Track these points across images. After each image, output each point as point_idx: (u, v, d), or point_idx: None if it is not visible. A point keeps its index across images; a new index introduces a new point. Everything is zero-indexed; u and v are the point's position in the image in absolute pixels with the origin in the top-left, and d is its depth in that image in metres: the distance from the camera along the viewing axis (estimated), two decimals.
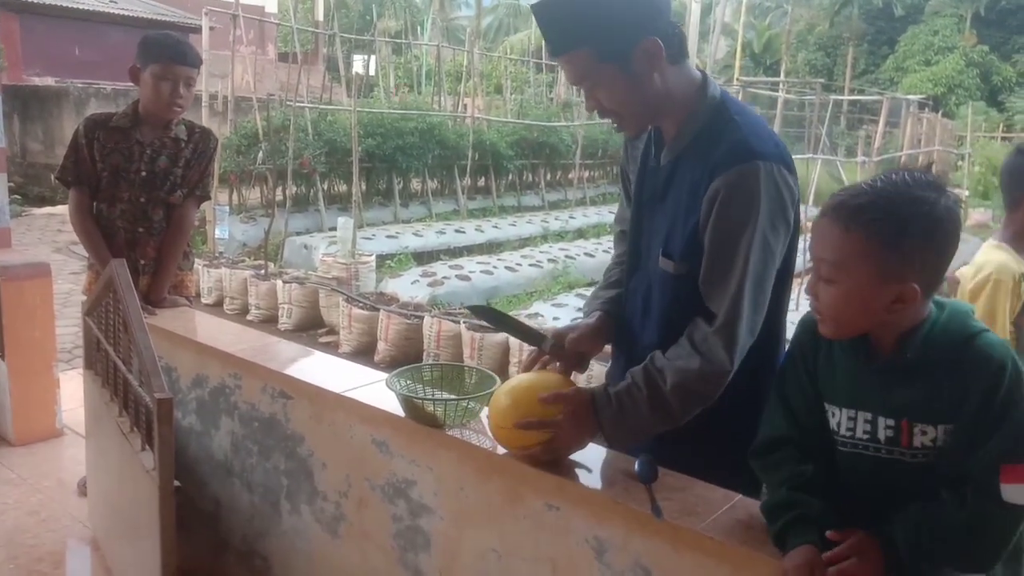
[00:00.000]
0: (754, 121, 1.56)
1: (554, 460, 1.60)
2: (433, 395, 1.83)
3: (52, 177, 2.97)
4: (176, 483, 2.08)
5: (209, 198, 3.14)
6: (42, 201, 13.24)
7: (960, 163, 20.07)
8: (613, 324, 1.80)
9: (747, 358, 1.53)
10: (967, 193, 16.83)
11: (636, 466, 1.54)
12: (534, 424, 1.56)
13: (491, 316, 1.88)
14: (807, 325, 1.36)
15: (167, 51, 2.69)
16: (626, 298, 1.78)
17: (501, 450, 1.64)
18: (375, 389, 1.97)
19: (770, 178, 1.46)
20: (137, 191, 2.81)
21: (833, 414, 1.33)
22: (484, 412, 1.75)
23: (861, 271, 1.20)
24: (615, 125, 1.63)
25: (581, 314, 1.97)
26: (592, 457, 1.64)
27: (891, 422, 1.25)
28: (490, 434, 1.68)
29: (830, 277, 1.23)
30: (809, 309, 1.32)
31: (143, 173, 2.80)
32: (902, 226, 1.17)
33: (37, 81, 16.35)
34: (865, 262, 1.19)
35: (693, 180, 1.53)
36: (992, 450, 1.14)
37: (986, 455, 1.15)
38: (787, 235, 1.52)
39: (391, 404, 1.84)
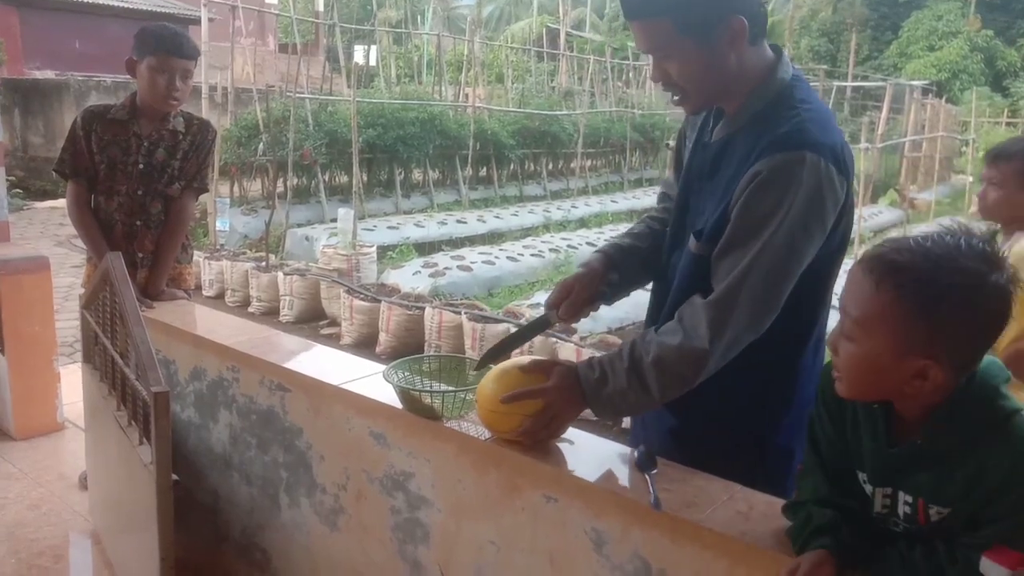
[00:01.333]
0: (819, 111, 1.47)
1: (550, 439, 1.59)
2: (431, 387, 1.82)
3: (52, 170, 2.93)
4: (174, 477, 2.08)
5: (207, 190, 3.13)
6: (44, 195, 13.23)
7: (964, 149, 20.00)
8: (606, 267, 1.74)
9: (770, 348, 1.48)
10: (971, 179, 16.74)
11: (635, 457, 1.53)
12: (521, 394, 1.53)
13: (498, 352, 1.76)
14: (832, 378, 1.26)
15: (163, 43, 2.66)
16: (665, 273, 1.69)
17: (499, 442, 1.63)
18: (373, 381, 1.96)
19: (814, 171, 1.37)
20: (135, 184, 2.80)
21: (859, 476, 1.26)
22: None
23: (883, 336, 1.08)
24: (676, 99, 1.55)
25: None
26: (590, 448, 1.63)
27: (909, 499, 1.18)
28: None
29: (851, 334, 1.12)
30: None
31: (140, 166, 2.78)
32: (938, 296, 1.04)
33: (37, 74, 16.36)
34: (889, 327, 1.07)
35: (740, 161, 1.47)
36: (996, 531, 1.07)
37: (989, 531, 1.08)
38: (822, 237, 1.43)
39: (389, 396, 1.83)
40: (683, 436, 1.64)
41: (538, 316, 1.76)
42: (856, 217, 10.36)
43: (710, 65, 1.45)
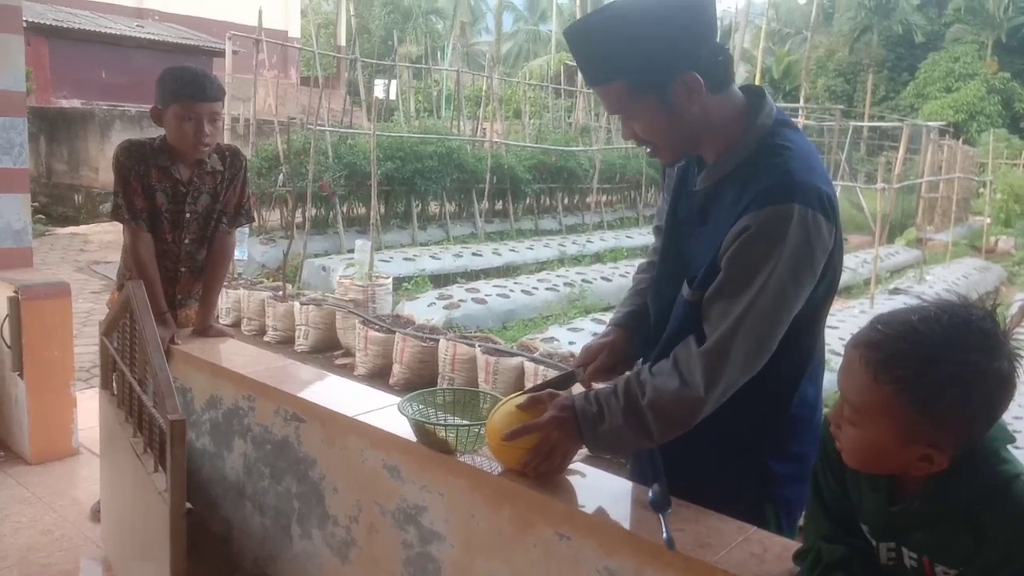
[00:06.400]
0: (803, 153, 1.48)
1: (553, 472, 1.60)
2: (445, 420, 1.82)
3: (109, 217, 2.69)
4: (188, 505, 2.08)
5: (254, 220, 3.03)
6: (66, 221, 13.43)
7: (982, 190, 19.93)
8: (627, 337, 1.79)
9: (769, 383, 1.50)
10: (988, 220, 16.67)
11: (649, 495, 1.53)
12: (519, 430, 1.56)
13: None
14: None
15: (186, 88, 2.52)
16: (652, 314, 1.73)
17: (512, 477, 1.63)
18: (388, 413, 1.96)
19: (802, 224, 1.39)
20: (181, 232, 2.73)
21: (863, 528, 1.25)
22: None
23: (884, 427, 1.07)
24: (649, 152, 1.58)
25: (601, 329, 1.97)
26: (604, 486, 1.62)
27: (914, 555, 1.17)
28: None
29: (852, 419, 1.11)
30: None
31: (187, 215, 2.71)
32: (939, 391, 1.02)
33: (64, 103, 16.67)
34: (890, 420, 1.06)
35: (729, 209, 1.49)
36: None
37: None
38: (812, 284, 1.45)
39: (403, 429, 1.83)
40: (684, 468, 1.64)
41: (566, 372, 1.81)
42: (873, 257, 10.19)
43: (672, 119, 1.49)
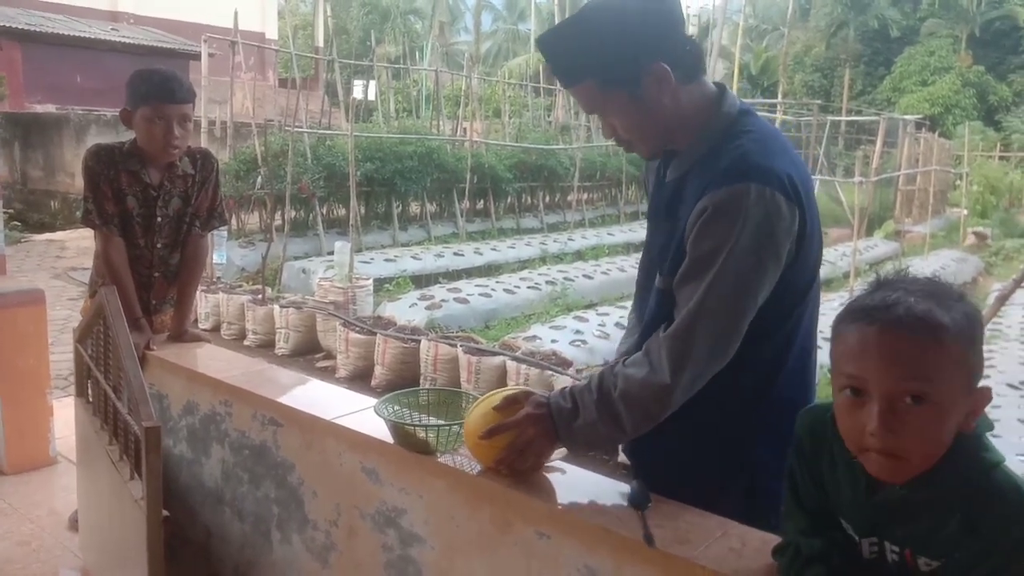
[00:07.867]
0: (765, 137, 1.49)
1: (530, 469, 1.59)
2: (422, 421, 1.81)
3: (80, 222, 2.66)
4: (165, 512, 2.06)
5: (227, 222, 3.06)
6: (42, 227, 13.29)
7: (958, 183, 20.16)
8: None
9: (745, 374, 1.50)
10: (965, 212, 16.84)
11: (628, 492, 1.52)
12: (495, 429, 1.55)
13: None
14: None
15: (154, 90, 2.49)
16: (638, 309, 1.76)
17: (491, 477, 1.62)
18: (366, 415, 1.95)
19: (759, 203, 1.38)
20: (153, 236, 2.69)
21: (843, 524, 1.24)
22: None
23: (955, 381, 1.05)
24: (625, 149, 1.62)
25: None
26: (583, 484, 1.62)
27: (896, 549, 1.16)
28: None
29: (922, 393, 1.03)
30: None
31: (158, 219, 2.68)
32: (973, 327, 1.07)
33: (38, 108, 16.49)
34: (960, 369, 1.05)
35: (694, 198, 1.49)
36: None
37: None
38: (777, 267, 1.43)
39: (381, 431, 1.82)
40: (672, 460, 1.63)
41: None
42: (852, 250, 10.26)
43: (646, 113, 1.51)
